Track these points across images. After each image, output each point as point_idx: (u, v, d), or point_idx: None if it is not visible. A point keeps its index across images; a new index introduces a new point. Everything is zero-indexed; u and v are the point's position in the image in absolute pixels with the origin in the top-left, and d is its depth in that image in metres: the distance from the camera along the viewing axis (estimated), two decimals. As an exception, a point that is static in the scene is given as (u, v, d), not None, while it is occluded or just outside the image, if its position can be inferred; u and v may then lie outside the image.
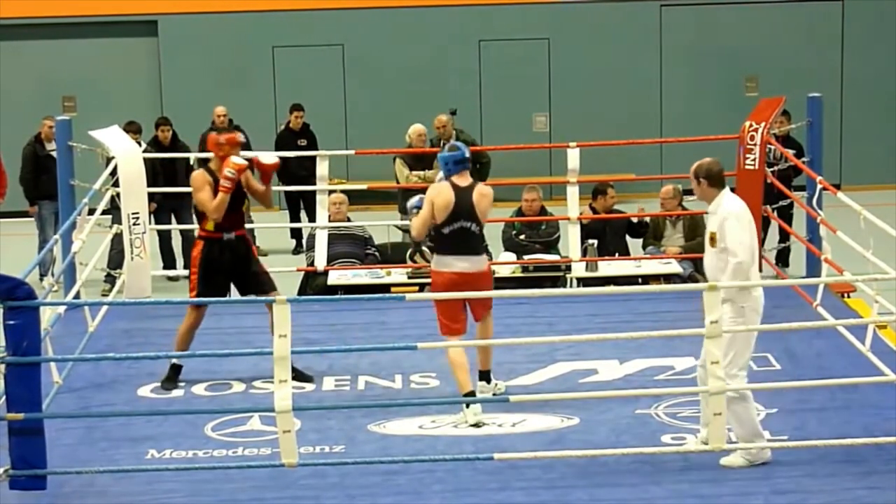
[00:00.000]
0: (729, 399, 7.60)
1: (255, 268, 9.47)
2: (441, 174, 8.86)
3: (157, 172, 14.56)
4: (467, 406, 8.46)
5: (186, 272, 14.22)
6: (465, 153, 8.71)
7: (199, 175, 9.34)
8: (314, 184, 12.39)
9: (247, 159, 9.34)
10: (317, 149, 14.99)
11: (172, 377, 9.31)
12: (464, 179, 8.68)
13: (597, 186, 12.79)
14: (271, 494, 7.51)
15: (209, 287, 9.30)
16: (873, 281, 8.99)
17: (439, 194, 8.66)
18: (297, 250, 15.92)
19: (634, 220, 13.03)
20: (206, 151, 10.45)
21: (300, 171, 14.61)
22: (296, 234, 16.06)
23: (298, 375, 9.03)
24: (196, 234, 9.48)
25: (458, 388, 8.53)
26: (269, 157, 9.54)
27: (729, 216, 7.77)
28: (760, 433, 7.78)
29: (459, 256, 8.61)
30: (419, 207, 8.79)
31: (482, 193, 8.68)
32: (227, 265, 9.34)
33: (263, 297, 9.09)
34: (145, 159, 11.72)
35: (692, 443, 7.92)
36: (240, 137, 9.64)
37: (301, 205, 15.87)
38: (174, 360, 9.31)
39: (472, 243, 8.64)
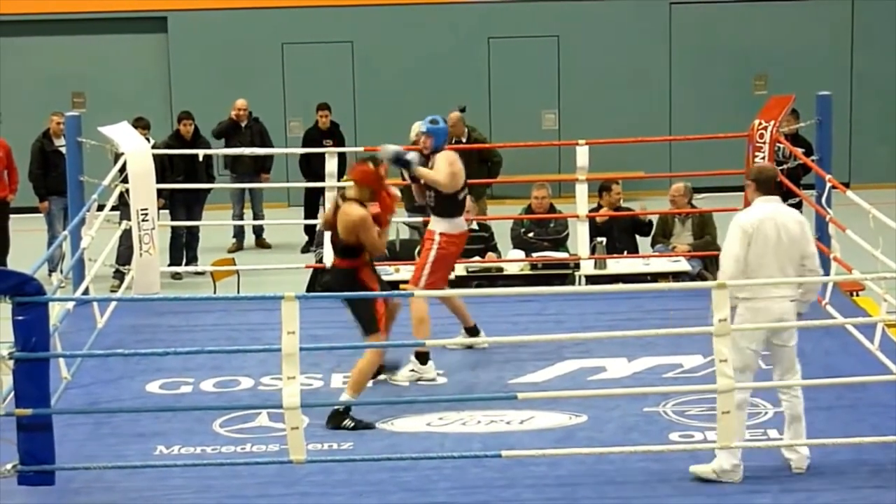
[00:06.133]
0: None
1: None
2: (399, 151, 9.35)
3: (175, 167, 14.63)
4: (423, 362, 9.16)
5: (192, 269, 14.44)
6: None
7: (363, 214, 8.50)
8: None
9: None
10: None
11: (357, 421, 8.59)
12: None
13: (602, 183, 12.79)
14: (279, 491, 7.52)
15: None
16: (882, 279, 8.98)
17: (457, 162, 9.39)
18: (307, 248, 15.94)
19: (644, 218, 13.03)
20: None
21: (321, 170, 14.53)
22: (310, 231, 16.08)
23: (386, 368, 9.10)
24: (346, 266, 8.84)
25: (419, 338, 9.04)
26: (396, 190, 8.94)
27: (733, 223, 7.67)
28: (735, 454, 7.53)
29: (463, 218, 9.47)
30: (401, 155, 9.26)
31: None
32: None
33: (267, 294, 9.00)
34: (164, 153, 11.71)
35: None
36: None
37: (321, 201, 15.88)
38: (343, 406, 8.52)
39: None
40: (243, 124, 16.32)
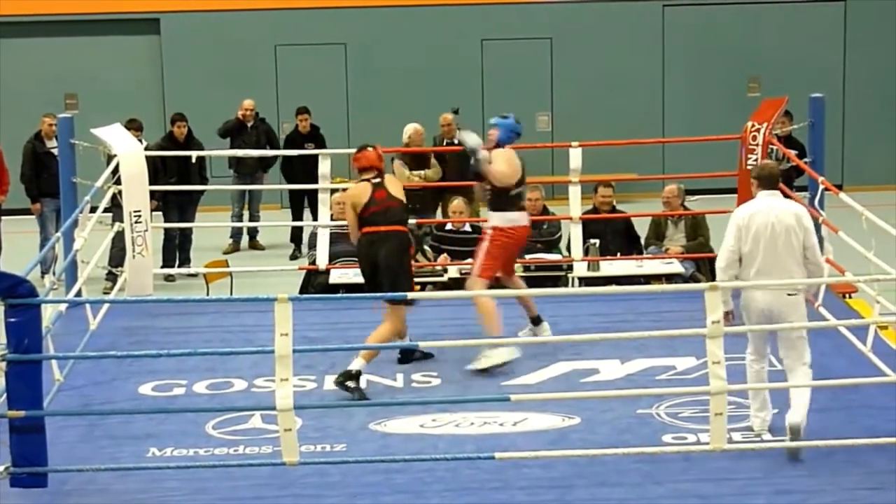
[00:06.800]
0: None
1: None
2: (472, 138, 9.76)
3: (168, 168, 14.63)
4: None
5: (185, 271, 14.42)
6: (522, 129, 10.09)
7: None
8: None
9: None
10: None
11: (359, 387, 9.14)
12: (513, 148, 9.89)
13: (595, 186, 12.79)
14: (272, 493, 7.51)
15: None
16: (875, 281, 8.98)
17: (514, 159, 9.83)
18: (294, 255, 15.92)
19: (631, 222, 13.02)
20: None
21: (303, 173, 14.54)
22: (295, 238, 16.08)
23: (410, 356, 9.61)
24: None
25: (489, 333, 9.28)
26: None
27: (731, 218, 8.06)
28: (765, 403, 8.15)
29: (523, 213, 9.89)
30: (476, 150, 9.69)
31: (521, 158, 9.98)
32: None
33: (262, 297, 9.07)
34: (157, 155, 11.69)
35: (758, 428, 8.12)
36: None
37: (305, 203, 15.88)
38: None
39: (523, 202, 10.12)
40: (249, 124, 16.32)
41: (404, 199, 9.64)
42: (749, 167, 11.49)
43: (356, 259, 12.15)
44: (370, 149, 9.72)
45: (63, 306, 9.93)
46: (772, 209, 7.95)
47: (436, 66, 19.54)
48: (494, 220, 9.81)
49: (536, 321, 9.98)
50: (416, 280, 11.73)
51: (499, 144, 9.88)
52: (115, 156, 11.29)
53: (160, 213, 14.66)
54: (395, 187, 9.64)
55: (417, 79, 19.46)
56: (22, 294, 7.21)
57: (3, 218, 14.66)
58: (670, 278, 11.95)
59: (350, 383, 8.94)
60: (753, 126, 11.37)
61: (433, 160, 14.25)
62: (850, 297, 11.51)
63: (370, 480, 7.60)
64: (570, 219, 11.84)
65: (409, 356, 9.63)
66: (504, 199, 9.78)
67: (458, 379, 9.30)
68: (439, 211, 14.54)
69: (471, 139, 9.80)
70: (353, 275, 11.82)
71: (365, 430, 8.36)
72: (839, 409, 8.45)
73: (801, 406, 7.79)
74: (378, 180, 9.57)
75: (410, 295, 8.79)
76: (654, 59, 19.76)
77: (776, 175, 8.21)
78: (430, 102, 17.61)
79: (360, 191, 9.55)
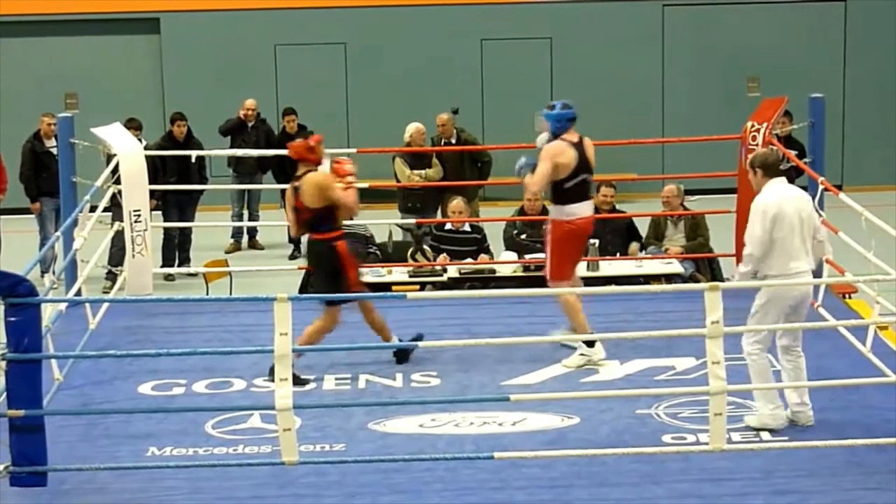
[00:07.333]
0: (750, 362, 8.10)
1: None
2: (542, 137, 9.55)
3: (168, 168, 14.63)
4: (590, 345, 9.35)
5: (184, 270, 14.42)
6: (575, 111, 9.51)
7: (326, 176, 9.20)
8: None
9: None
10: None
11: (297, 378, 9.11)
12: (573, 136, 9.51)
13: (598, 185, 12.78)
14: (271, 492, 7.51)
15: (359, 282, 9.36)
16: (874, 282, 8.98)
17: (562, 154, 9.40)
18: (294, 254, 15.91)
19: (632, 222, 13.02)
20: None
21: (293, 174, 14.52)
22: (294, 238, 16.06)
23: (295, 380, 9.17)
24: (319, 239, 9.30)
25: (577, 331, 9.35)
26: (348, 165, 9.43)
27: (754, 207, 8.10)
28: (773, 398, 8.11)
29: (584, 203, 9.56)
30: (532, 165, 9.49)
31: (590, 145, 9.64)
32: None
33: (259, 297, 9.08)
34: (157, 155, 11.68)
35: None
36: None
37: None
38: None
39: (590, 191, 9.82)
40: (250, 124, 16.32)
41: (317, 205, 9.12)
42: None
43: (356, 258, 12.21)
44: (300, 138, 9.46)
45: (63, 305, 9.94)
46: (791, 196, 8.16)
47: (435, 66, 19.53)
48: (552, 213, 9.65)
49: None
50: (416, 280, 11.78)
51: (555, 136, 9.54)
52: (114, 155, 11.29)
53: (160, 212, 14.66)
54: (307, 192, 9.16)
55: (417, 79, 19.45)
56: (22, 293, 7.21)
57: (2, 217, 14.67)
58: (670, 278, 11.95)
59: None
60: (753, 126, 11.37)
61: (434, 160, 14.25)
62: (849, 298, 11.51)
63: (369, 480, 7.60)
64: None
65: (405, 355, 9.60)
66: (559, 191, 9.51)
67: (457, 379, 9.30)
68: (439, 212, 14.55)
69: (519, 163, 9.65)
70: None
71: (364, 430, 8.37)
72: (838, 410, 8.45)
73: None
74: (297, 184, 9.23)
75: (409, 295, 8.78)
76: (653, 59, 19.76)
77: (779, 160, 8.45)
78: (429, 102, 17.59)
79: (289, 193, 9.38)
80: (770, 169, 8.19)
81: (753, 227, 8.05)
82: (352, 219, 9.92)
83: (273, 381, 8.85)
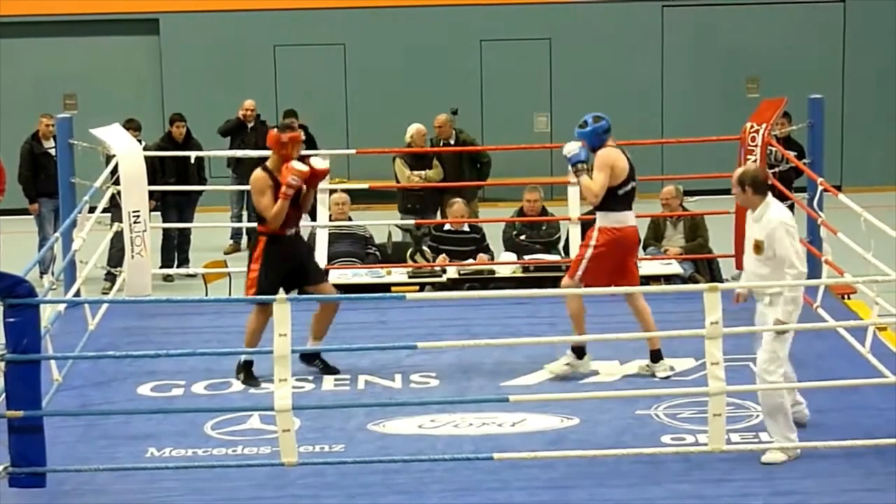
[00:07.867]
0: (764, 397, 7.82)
1: (311, 263, 9.58)
2: (572, 145, 9.40)
3: (167, 169, 14.62)
4: (580, 356, 9.23)
5: (183, 271, 14.41)
6: (608, 121, 9.50)
7: (260, 178, 9.17)
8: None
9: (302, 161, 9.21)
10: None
11: (249, 374, 9.24)
12: (614, 142, 9.41)
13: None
14: (270, 493, 7.51)
15: (272, 284, 9.14)
16: (874, 283, 8.98)
17: (618, 159, 9.31)
18: None
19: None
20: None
21: None
22: None
23: (326, 367, 9.39)
24: (257, 231, 9.36)
25: (576, 332, 9.22)
26: (321, 163, 9.35)
27: (778, 226, 7.85)
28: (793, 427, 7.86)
29: (630, 212, 9.42)
30: (585, 161, 9.35)
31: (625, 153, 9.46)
32: (290, 261, 9.27)
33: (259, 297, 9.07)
34: (156, 156, 11.68)
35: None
36: (302, 136, 9.53)
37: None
38: (244, 357, 9.23)
39: (634, 199, 9.55)
40: (250, 125, 16.33)
41: (261, 200, 9.16)
42: (748, 168, 11.50)
43: (355, 259, 12.24)
44: (275, 129, 9.38)
45: (62, 306, 9.94)
46: None
47: (434, 66, 19.53)
48: (599, 220, 9.40)
49: (656, 355, 9.37)
50: (416, 280, 11.78)
51: (594, 150, 9.40)
52: (113, 156, 11.29)
53: (159, 213, 14.65)
54: (254, 186, 9.26)
55: (416, 79, 19.45)
56: (21, 294, 7.21)
57: (1, 218, 14.66)
58: (669, 279, 11.95)
59: (240, 376, 9.17)
60: (752, 127, 11.37)
61: (435, 161, 14.24)
62: (848, 299, 11.51)
63: (368, 481, 7.59)
64: (569, 220, 11.82)
65: (312, 359, 9.48)
66: (611, 198, 9.28)
67: (456, 379, 9.30)
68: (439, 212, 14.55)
69: (566, 148, 9.48)
70: (352, 275, 11.84)
71: (363, 431, 8.36)
72: (837, 411, 8.44)
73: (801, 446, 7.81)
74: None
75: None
76: (652, 59, 19.76)
77: (767, 178, 8.26)
78: (428, 103, 17.59)
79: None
80: (762, 187, 8.02)
81: (795, 245, 7.84)
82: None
83: (240, 380, 9.12)
